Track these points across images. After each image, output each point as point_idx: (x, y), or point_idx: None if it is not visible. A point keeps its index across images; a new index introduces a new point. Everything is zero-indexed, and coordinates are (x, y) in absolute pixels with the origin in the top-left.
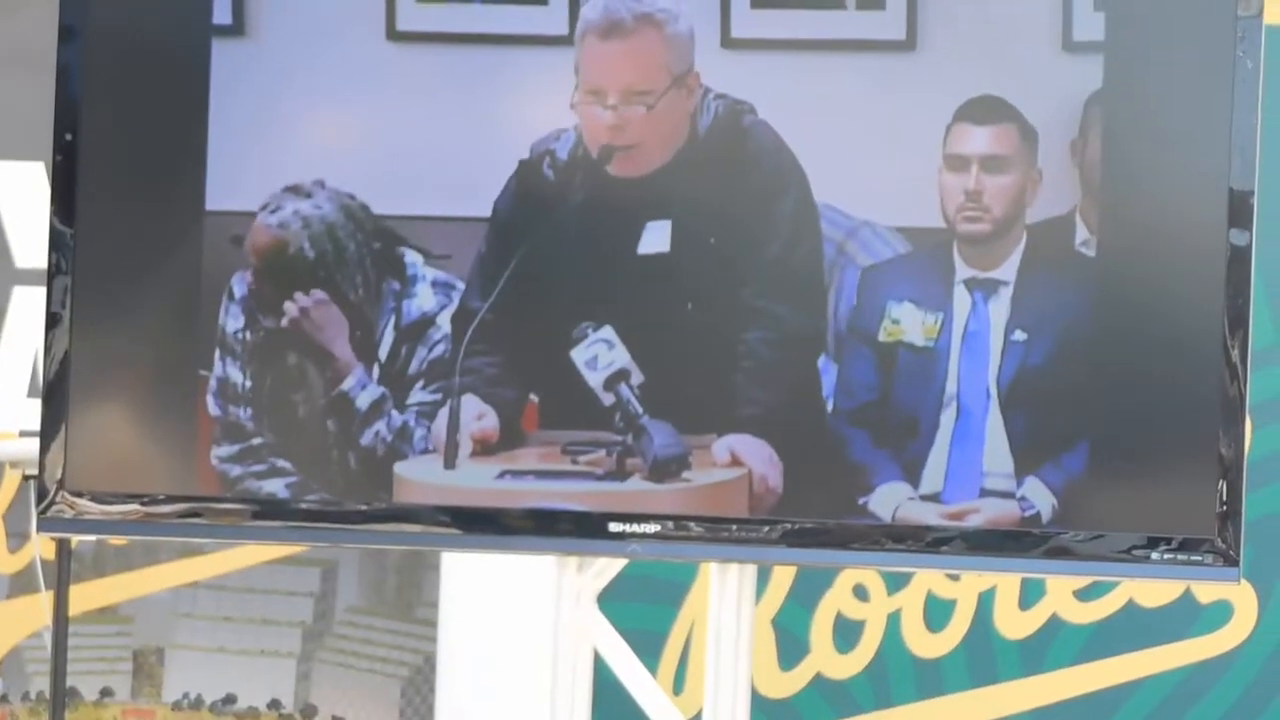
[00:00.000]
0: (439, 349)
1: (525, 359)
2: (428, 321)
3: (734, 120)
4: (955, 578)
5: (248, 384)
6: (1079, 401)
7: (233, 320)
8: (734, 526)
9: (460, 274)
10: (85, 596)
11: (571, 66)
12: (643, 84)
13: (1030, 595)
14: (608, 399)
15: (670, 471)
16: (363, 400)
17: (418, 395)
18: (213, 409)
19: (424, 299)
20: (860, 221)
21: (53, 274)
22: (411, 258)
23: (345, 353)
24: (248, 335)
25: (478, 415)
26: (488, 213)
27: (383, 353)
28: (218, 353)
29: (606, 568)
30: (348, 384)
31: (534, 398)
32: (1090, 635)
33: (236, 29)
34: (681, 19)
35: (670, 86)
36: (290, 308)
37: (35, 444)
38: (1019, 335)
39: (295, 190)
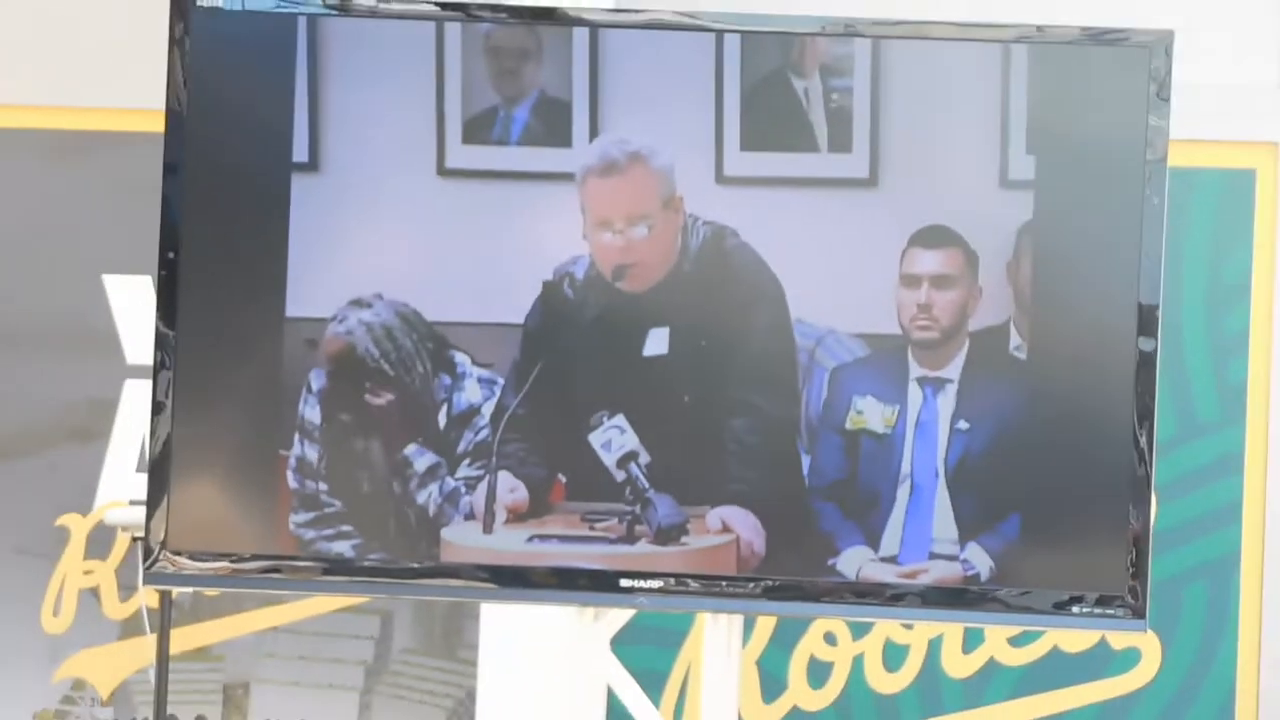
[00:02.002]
0: (483, 434)
1: (552, 443)
2: (474, 411)
3: (719, 242)
4: (909, 626)
5: (322, 462)
6: (1013, 480)
7: (310, 410)
8: (724, 583)
9: (501, 373)
10: (183, 639)
11: (578, 206)
12: (640, 209)
13: (971, 641)
14: (620, 476)
15: (672, 537)
16: (420, 464)
17: (464, 470)
18: (291, 482)
19: (471, 393)
20: (825, 330)
21: (157, 369)
22: (460, 358)
23: (408, 429)
24: (323, 422)
25: (510, 489)
26: (519, 320)
27: (437, 432)
28: (297, 435)
29: (618, 617)
30: (409, 450)
31: (561, 477)
32: (1021, 675)
33: (312, 166)
34: (662, 153)
35: (662, 209)
36: (368, 399)
37: (142, 511)
38: (963, 424)
39: (357, 303)
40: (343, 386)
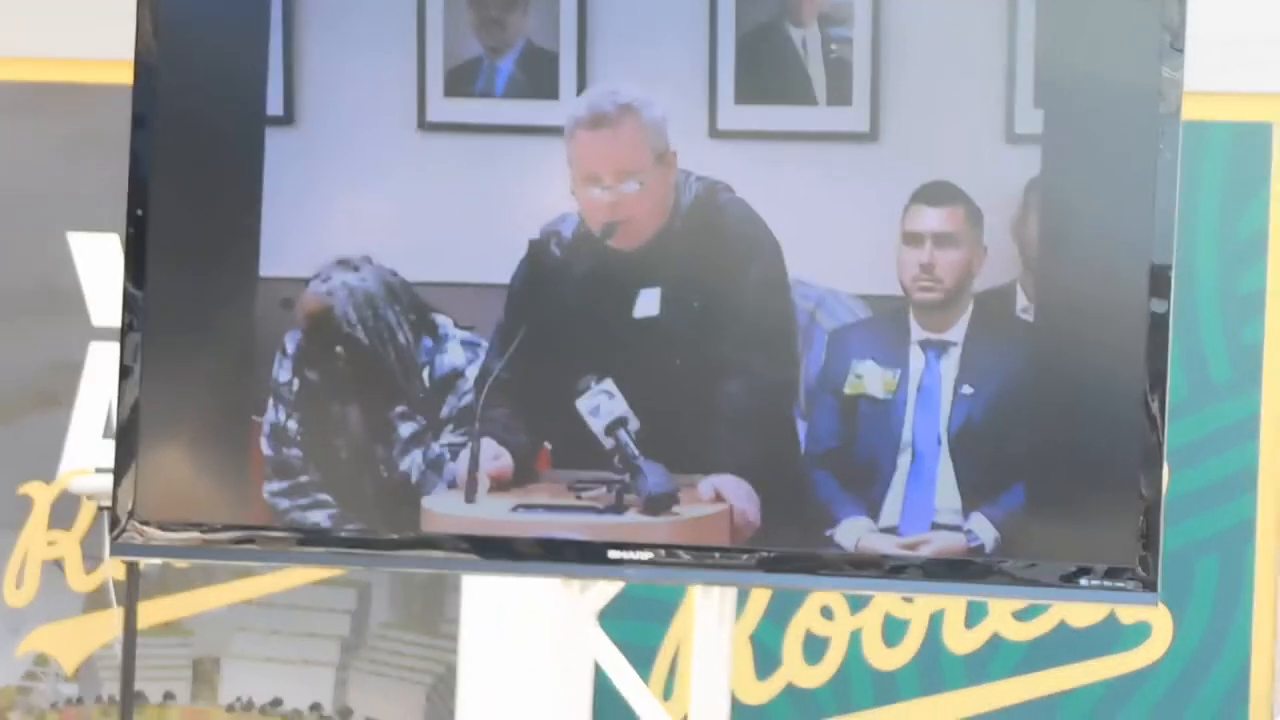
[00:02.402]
0: (466, 399)
1: (538, 408)
2: (457, 374)
3: (712, 197)
4: (909, 600)
5: (297, 428)
6: (1018, 447)
7: (285, 373)
8: (717, 554)
9: (485, 335)
10: (151, 612)
11: (566, 159)
12: (631, 164)
13: (974, 616)
14: (608, 443)
15: (662, 506)
16: (404, 430)
17: (447, 437)
18: (265, 449)
19: (454, 355)
20: (826, 291)
21: (125, 331)
22: (442, 320)
23: (389, 394)
24: (298, 386)
25: (494, 456)
26: (505, 280)
27: (421, 397)
28: (271, 400)
29: (605, 590)
30: (393, 414)
31: (547, 444)
32: (1027, 651)
33: (287, 119)
34: (655, 105)
35: (654, 165)
36: (341, 366)
37: (109, 479)
38: (966, 389)
39: (345, 264)
40: (318, 349)
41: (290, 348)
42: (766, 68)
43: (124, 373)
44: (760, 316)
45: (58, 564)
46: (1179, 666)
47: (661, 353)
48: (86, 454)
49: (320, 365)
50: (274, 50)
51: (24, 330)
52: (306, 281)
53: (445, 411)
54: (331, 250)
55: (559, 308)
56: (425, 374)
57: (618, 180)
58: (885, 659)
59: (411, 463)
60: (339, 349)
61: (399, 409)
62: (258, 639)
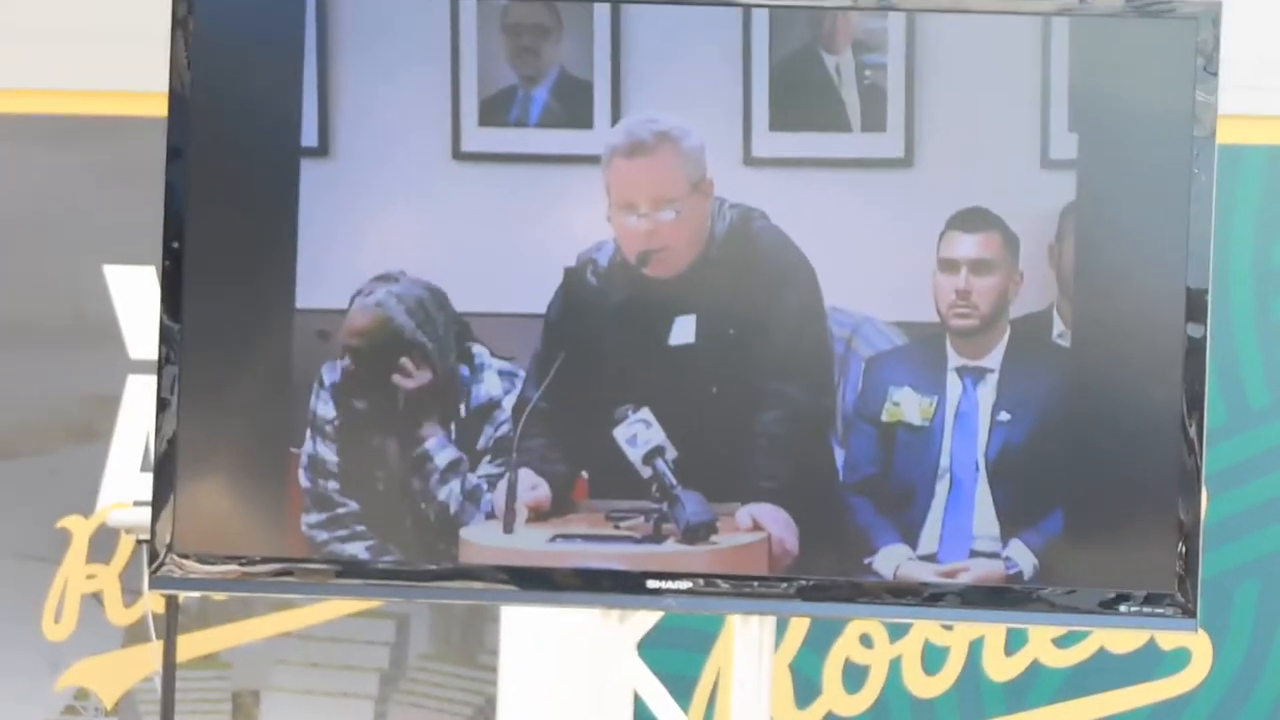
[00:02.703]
0: (503, 429)
1: (575, 438)
2: (494, 405)
3: (746, 225)
4: (949, 627)
5: (335, 460)
6: (1056, 473)
7: (323, 405)
8: (755, 583)
9: (522, 365)
10: (191, 645)
11: (603, 187)
12: (668, 192)
13: (1014, 643)
14: (646, 472)
15: (700, 535)
16: (441, 459)
17: (485, 468)
18: (303, 481)
19: (491, 385)
20: (862, 318)
21: (162, 364)
22: (478, 349)
23: (430, 420)
24: (337, 418)
25: (532, 486)
26: (541, 310)
27: (458, 426)
28: (309, 432)
29: (645, 620)
30: (430, 445)
31: (584, 473)
32: (1067, 677)
33: (322, 150)
34: (693, 134)
35: (690, 193)
36: (398, 377)
37: (147, 512)
38: (1004, 416)
39: (384, 278)
40: (365, 371)
41: (328, 379)
42: (801, 95)
43: (161, 405)
44: (796, 344)
45: (97, 598)
46: (1219, 692)
47: (698, 381)
48: (125, 487)
49: (363, 391)
50: (308, 82)
51: (61, 363)
52: (344, 311)
53: (482, 442)
54: (366, 276)
55: (595, 336)
56: (463, 405)
57: (654, 208)
58: (925, 687)
59: (449, 493)
60: (404, 360)
61: (437, 438)
62: (297, 672)
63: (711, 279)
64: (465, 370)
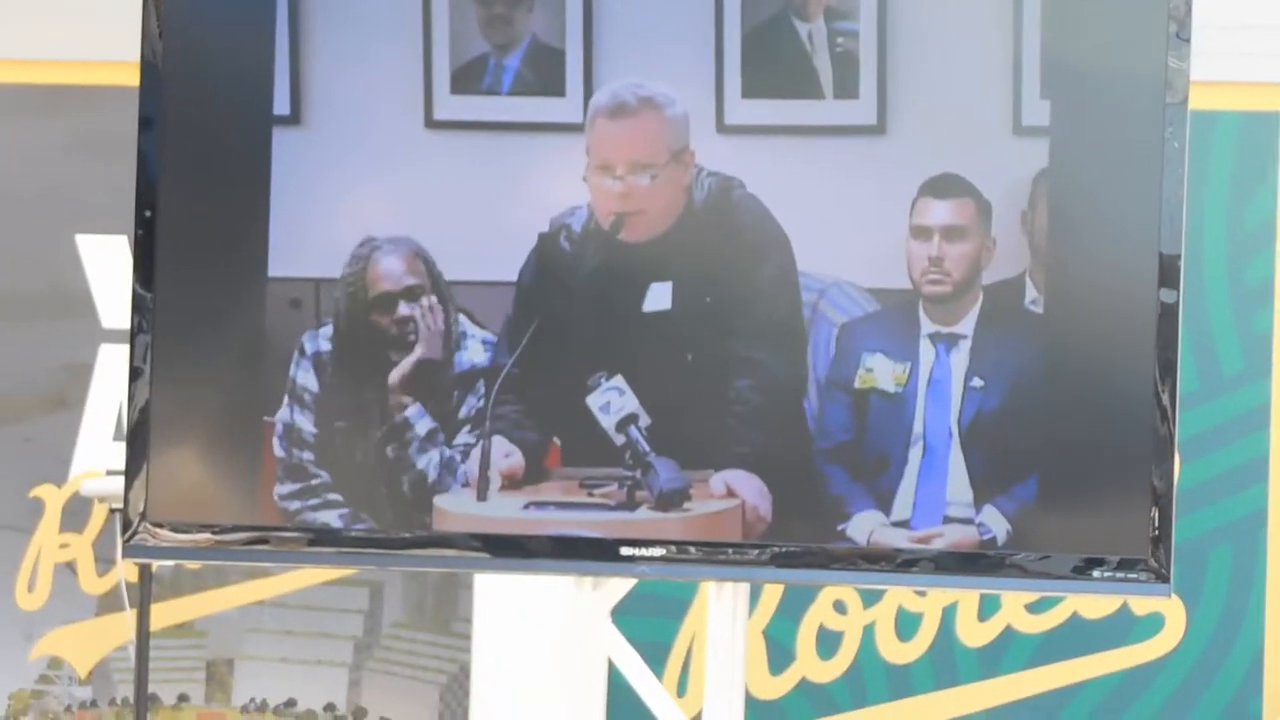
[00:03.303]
0: (484, 398)
1: (548, 405)
2: (478, 373)
3: (725, 194)
4: (922, 593)
5: (313, 430)
6: (1029, 439)
7: (303, 373)
8: (729, 550)
9: (495, 332)
10: (164, 614)
11: (583, 147)
12: (646, 157)
13: (987, 608)
14: (619, 439)
15: (674, 502)
16: (421, 427)
17: (464, 437)
18: (278, 451)
19: (474, 353)
20: (830, 281)
21: (135, 333)
22: (460, 317)
23: (413, 386)
24: (316, 387)
25: (505, 454)
26: (512, 276)
27: (439, 395)
28: (286, 400)
29: (618, 587)
30: (410, 412)
31: (557, 440)
32: (1040, 643)
33: (294, 119)
34: (677, 103)
35: (669, 161)
36: (415, 309)
37: (120, 481)
38: (977, 382)
39: (369, 243)
40: (376, 322)
41: (310, 348)
42: (773, 62)
43: (134, 375)
44: (770, 311)
45: (70, 567)
46: (1193, 657)
47: (672, 348)
48: (97, 456)
49: (349, 353)
50: (280, 50)
51: (34, 333)
52: (316, 280)
53: (464, 412)
54: (341, 244)
55: (568, 302)
56: (446, 373)
57: (630, 171)
58: (899, 653)
59: (428, 462)
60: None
61: (416, 407)
62: (271, 640)
63: (688, 246)
64: (449, 339)
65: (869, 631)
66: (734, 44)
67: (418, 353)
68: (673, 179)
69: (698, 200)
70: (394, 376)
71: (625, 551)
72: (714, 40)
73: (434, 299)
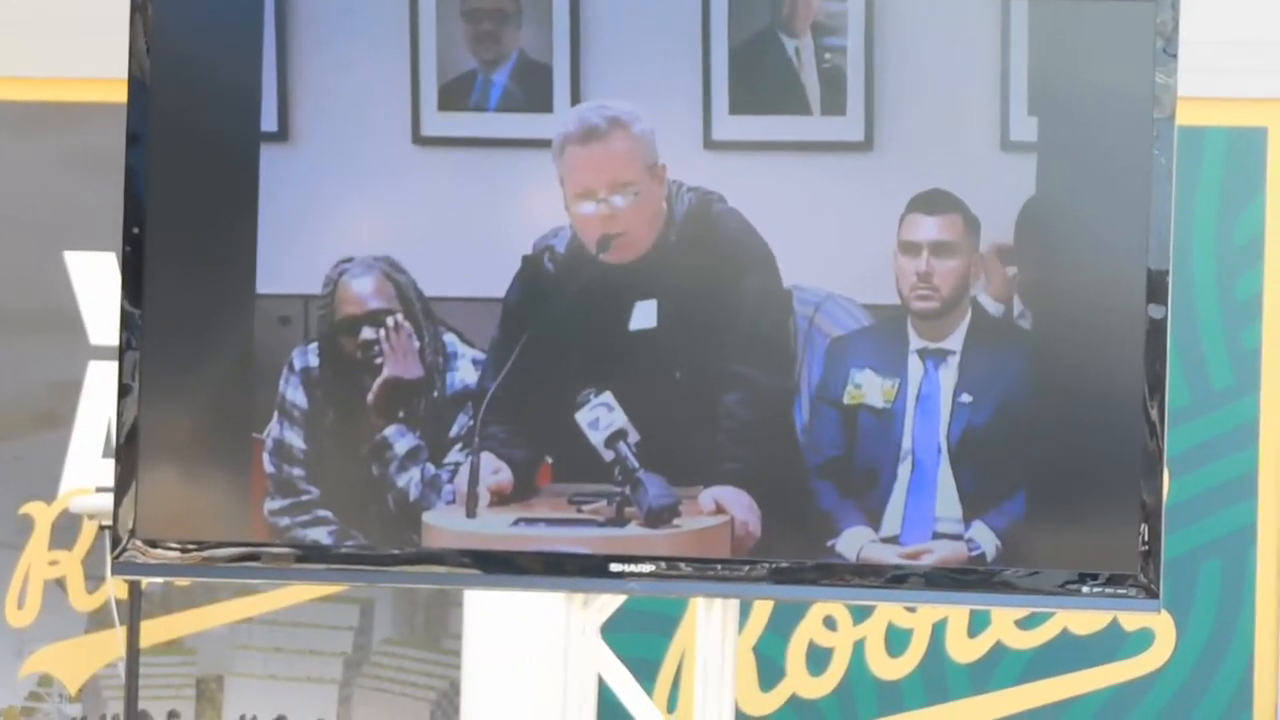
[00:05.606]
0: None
1: (537, 422)
2: (469, 393)
3: (705, 209)
4: (912, 609)
5: (302, 446)
6: (1018, 455)
7: (292, 390)
8: (719, 566)
9: (483, 350)
10: (154, 631)
11: (558, 178)
12: (624, 177)
13: (977, 624)
14: (608, 455)
15: (663, 519)
16: (400, 446)
17: (454, 455)
18: (268, 467)
19: (465, 373)
20: (824, 295)
21: (123, 350)
22: (449, 336)
23: (395, 405)
24: (305, 403)
25: (494, 470)
26: (499, 295)
27: (424, 413)
28: (276, 416)
29: (608, 603)
30: (389, 431)
31: (547, 458)
32: (1030, 659)
33: (281, 135)
34: (643, 119)
35: (646, 176)
36: (379, 332)
37: (110, 498)
38: (965, 398)
39: (349, 260)
40: (340, 356)
41: (299, 364)
42: (760, 78)
43: (123, 391)
44: (757, 325)
45: (60, 584)
46: (1183, 672)
47: (660, 364)
48: (87, 473)
49: (338, 370)
50: (268, 66)
51: (22, 350)
52: (304, 296)
53: (455, 430)
54: (327, 261)
55: (555, 321)
56: (435, 392)
57: (611, 193)
58: (889, 669)
59: (408, 480)
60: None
61: (398, 424)
62: (261, 657)
63: (671, 263)
64: (439, 359)
65: (859, 648)
66: (721, 60)
67: (385, 373)
68: (651, 195)
69: (677, 215)
70: (369, 398)
71: (615, 568)
72: (701, 56)
73: (399, 318)
